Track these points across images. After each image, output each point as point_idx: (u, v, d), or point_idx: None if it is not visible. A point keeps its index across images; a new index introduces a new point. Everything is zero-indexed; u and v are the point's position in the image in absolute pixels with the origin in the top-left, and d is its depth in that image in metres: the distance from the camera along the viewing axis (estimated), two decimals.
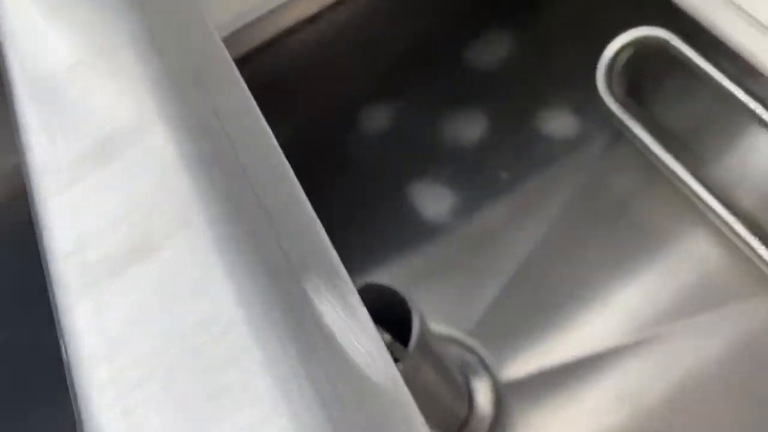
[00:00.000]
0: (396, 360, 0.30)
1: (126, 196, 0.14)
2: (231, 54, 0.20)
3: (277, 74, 0.48)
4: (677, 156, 0.43)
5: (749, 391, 0.39)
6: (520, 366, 0.41)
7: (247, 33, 0.45)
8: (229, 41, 0.43)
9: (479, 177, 0.46)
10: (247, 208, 0.14)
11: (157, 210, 0.14)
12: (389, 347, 0.29)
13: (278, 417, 0.11)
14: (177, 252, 0.13)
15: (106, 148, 0.15)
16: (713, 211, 0.41)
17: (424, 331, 0.31)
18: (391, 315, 0.33)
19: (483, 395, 0.40)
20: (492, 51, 0.50)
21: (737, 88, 0.42)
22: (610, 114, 0.45)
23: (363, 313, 0.14)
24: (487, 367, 0.41)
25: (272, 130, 0.17)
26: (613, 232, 0.45)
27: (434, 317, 0.44)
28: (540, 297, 0.43)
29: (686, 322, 0.40)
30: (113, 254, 0.14)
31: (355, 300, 0.14)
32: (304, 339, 0.12)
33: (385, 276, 0.47)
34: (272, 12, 0.51)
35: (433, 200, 0.47)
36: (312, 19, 0.50)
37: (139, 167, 0.15)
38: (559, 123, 0.47)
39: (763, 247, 0.39)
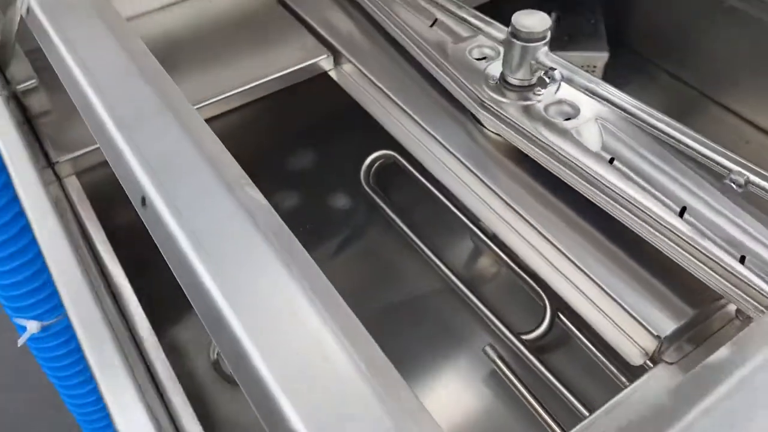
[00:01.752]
0: None
1: None
2: None
3: None
4: (410, 229, 0.77)
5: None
6: None
7: None
8: None
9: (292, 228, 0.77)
10: None
11: None
12: None
13: None
14: None
15: None
16: (437, 266, 0.74)
17: None
18: None
19: None
20: (303, 159, 0.82)
21: (441, 195, 0.78)
22: (369, 198, 0.79)
23: None
24: None
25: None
26: (370, 268, 0.76)
27: None
28: None
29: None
30: None
31: None
32: None
33: None
34: None
35: None
36: None
37: None
38: (341, 201, 0.80)
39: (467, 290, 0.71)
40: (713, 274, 0.46)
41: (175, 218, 0.39)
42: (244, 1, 0.76)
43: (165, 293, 0.56)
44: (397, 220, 0.75)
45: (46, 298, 0.61)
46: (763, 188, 0.45)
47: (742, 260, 0.45)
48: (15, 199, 0.53)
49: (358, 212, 0.79)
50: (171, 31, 0.72)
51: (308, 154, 0.82)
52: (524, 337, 0.63)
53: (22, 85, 0.64)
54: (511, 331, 0.63)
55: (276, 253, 0.38)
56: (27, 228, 0.55)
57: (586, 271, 0.51)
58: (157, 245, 0.40)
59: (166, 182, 0.41)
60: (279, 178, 0.80)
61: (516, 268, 0.67)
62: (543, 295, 0.64)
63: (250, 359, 0.31)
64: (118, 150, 0.44)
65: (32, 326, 0.62)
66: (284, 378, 0.30)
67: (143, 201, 0.41)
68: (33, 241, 0.56)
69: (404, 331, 0.68)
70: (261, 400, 0.30)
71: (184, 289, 0.38)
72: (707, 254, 0.46)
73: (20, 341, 0.62)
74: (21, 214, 0.54)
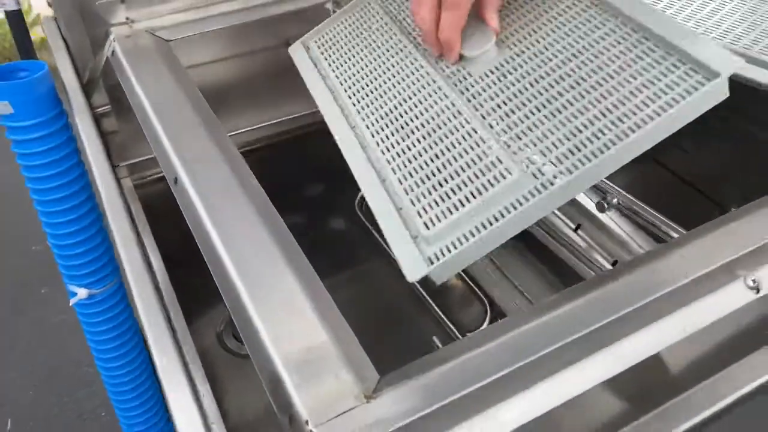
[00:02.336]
0: None
1: None
2: None
3: None
4: None
5: None
6: None
7: None
8: None
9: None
10: None
11: None
12: None
13: None
14: None
15: None
16: None
17: None
18: None
19: None
20: (315, 192, 1.00)
21: None
22: (360, 222, 0.95)
23: None
24: None
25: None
26: (354, 276, 0.92)
27: None
28: None
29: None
30: None
31: None
32: None
33: None
34: None
35: None
36: None
37: None
38: (337, 224, 0.96)
39: (429, 298, 0.87)
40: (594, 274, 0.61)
41: (197, 194, 0.57)
42: (273, 59, 0.96)
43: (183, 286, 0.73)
44: (381, 241, 0.91)
45: (97, 269, 0.78)
46: (628, 207, 0.60)
47: (614, 264, 0.60)
48: (86, 187, 0.72)
49: (350, 233, 0.95)
50: (216, 79, 0.92)
51: (314, 185, 1.00)
52: (468, 334, 0.77)
53: (99, 110, 0.84)
54: (458, 330, 0.78)
55: (262, 219, 0.55)
56: (93, 210, 0.74)
57: (508, 276, 0.66)
58: (183, 213, 0.57)
59: (193, 168, 0.59)
60: (288, 202, 0.97)
61: (469, 282, 0.82)
62: (486, 302, 0.79)
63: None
64: (163, 147, 0.62)
65: (81, 293, 0.79)
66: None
67: (175, 180, 0.59)
68: (95, 221, 0.75)
69: (376, 324, 0.83)
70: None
71: (198, 243, 0.55)
72: (591, 260, 0.61)
73: (71, 303, 0.79)
74: (90, 198, 0.72)
